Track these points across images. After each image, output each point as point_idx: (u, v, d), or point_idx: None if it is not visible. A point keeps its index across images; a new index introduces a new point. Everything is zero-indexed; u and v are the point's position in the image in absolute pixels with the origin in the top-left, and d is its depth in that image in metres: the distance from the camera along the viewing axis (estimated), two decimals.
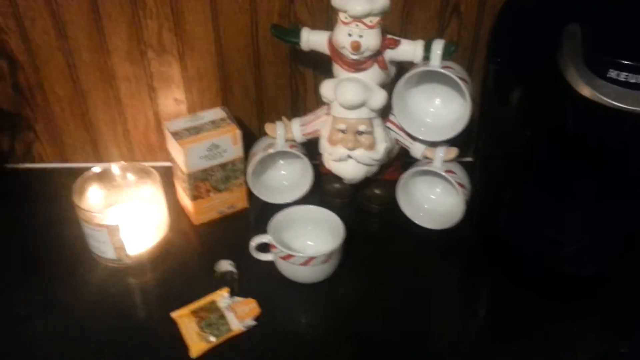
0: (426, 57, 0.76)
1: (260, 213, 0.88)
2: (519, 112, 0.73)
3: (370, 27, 0.73)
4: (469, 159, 0.94)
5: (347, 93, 0.75)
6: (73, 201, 0.78)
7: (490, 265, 0.82)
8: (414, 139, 0.83)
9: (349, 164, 0.82)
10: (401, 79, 0.77)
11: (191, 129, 0.83)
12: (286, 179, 0.94)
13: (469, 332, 0.74)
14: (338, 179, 0.87)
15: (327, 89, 0.78)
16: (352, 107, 0.77)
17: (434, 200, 0.90)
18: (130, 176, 0.86)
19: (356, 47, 0.72)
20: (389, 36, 0.77)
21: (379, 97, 0.76)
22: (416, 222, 0.88)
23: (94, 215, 0.77)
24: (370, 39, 0.73)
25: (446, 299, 0.79)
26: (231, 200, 0.89)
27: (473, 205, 0.84)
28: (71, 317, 0.75)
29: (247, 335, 0.72)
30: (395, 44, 0.76)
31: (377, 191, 0.89)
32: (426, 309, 0.77)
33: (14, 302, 0.76)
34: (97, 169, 0.83)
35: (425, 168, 0.83)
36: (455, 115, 0.80)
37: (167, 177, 0.90)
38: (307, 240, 0.83)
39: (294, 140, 0.88)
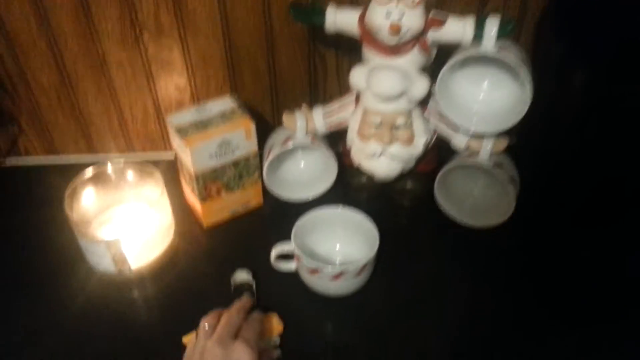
0: (476, 36, 0.64)
1: (277, 210, 0.81)
2: (584, 99, 0.62)
3: (413, 6, 0.61)
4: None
5: (384, 83, 0.64)
6: (66, 212, 0.69)
7: (543, 269, 0.73)
8: (456, 128, 0.73)
9: (382, 162, 0.72)
10: (447, 63, 0.66)
11: (198, 124, 0.73)
12: (306, 173, 0.85)
13: (519, 344, 0.65)
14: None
15: (358, 76, 0.66)
16: (389, 99, 0.66)
17: (477, 195, 0.81)
18: (130, 176, 0.77)
19: (396, 30, 0.61)
20: (432, 15, 0.65)
21: (420, 86, 0.65)
22: (457, 219, 0.78)
23: (90, 229, 0.68)
24: (413, 20, 0.62)
25: (492, 307, 0.70)
26: (245, 199, 0.81)
27: (521, 199, 0.74)
28: (64, 339, 0.66)
29: None
30: (440, 23, 0.64)
31: (409, 185, 0.80)
32: (471, 320, 0.68)
33: None
34: (90, 171, 0.74)
35: (470, 162, 0.73)
36: (508, 100, 0.69)
37: (172, 171, 0.81)
38: (336, 243, 0.75)
39: (315, 132, 0.78)
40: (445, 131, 0.74)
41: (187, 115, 0.74)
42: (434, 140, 0.76)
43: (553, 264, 0.73)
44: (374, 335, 0.66)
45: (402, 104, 0.67)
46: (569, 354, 0.63)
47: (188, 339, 0.64)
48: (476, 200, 0.80)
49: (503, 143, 0.72)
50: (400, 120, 0.67)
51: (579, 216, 0.69)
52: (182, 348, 0.63)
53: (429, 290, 0.71)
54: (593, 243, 0.73)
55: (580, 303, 0.68)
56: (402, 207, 0.82)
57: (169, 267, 0.74)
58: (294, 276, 0.70)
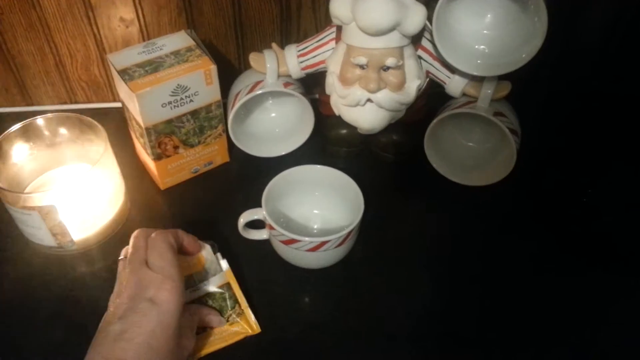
0: None
1: (245, 168, 0.73)
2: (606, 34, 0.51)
3: None
4: None
5: (374, 11, 0.53)
6: None
7: (544, 232, 0.65)
8: (453, 70, 0.62)
9: (368, 111, 0.61)
10: None
11: (146, 65, 0.62)
12: (278, 125, 0.76)
13: (523, 320, 0.58)
14: (345, 123, 0.68)
15: (341, 4, 0.55)
16: (379, 32, 0.54)
17: (471, 149, 0.72)
18: (66, 130, 0.66)
19: None
20: None
21: (417, 16, 0.53)
22: (448, 177, 0.69)
23: (18, 197, 0.57)
24: None
25: (488, 277, 0.61)
26: (207, 156, 0.71)
27: (521, 153, 0.66)
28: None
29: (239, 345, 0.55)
30: None
31: (395, 137, 0.70)
32: (467, 291, 0.60)
33: None
34: (17, 126, 0.63)
35: (468, 111, 0.63)
36: (517, 37, 0.58)
37: (123, 124, 0.71)
38: (313, 207, 0.66)
39: (288, 76, 0.68)
40: (440, 73, 0.63)
41: (133, 54, 0.63)
42: (425, 84, 0.65)
43: (556, 228, 0.65)
44: (358, 311, 0.58)
45: (394, 40, 0.56)
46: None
47: None
48: (470, 155, 0.71)
49: (506, 87, 0.63)
50: (391, 61, 0.56)
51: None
52: None
53: (418, 258, 0.63)
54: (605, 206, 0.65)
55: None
56: (386, 163, 0.72)
57: (120, 237, 0.64)
58: (266, 244, 0.61)
